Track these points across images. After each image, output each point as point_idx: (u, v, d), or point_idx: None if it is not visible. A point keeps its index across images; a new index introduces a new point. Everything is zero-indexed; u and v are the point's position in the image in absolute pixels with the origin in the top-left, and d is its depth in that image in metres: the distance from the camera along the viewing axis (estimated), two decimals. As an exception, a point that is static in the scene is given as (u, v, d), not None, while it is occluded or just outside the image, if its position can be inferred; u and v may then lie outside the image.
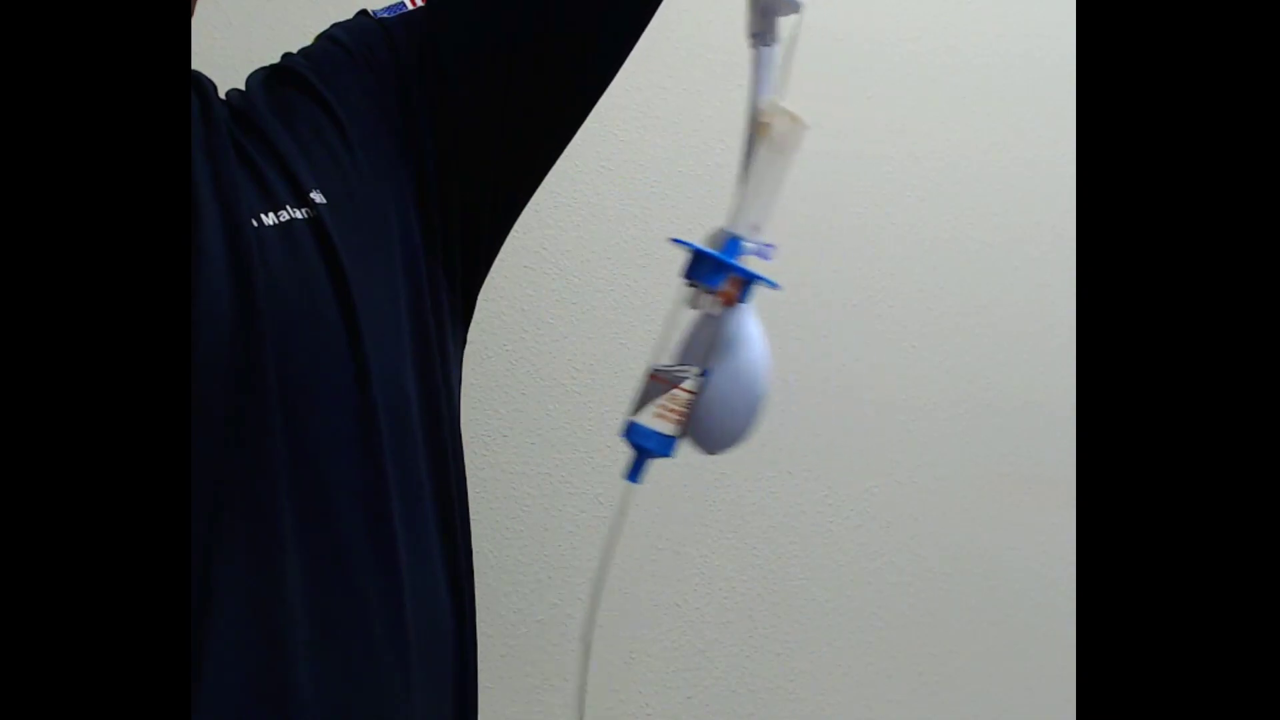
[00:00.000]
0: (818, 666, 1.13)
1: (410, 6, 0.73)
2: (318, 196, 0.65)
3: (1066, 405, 1.19)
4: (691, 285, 0.55)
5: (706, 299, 0.57)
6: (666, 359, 0.56)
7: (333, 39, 0.72)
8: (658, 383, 0.54)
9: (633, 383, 1.09)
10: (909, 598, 1.16)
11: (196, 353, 0.57)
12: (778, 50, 0.58)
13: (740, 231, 0.54)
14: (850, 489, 1.15)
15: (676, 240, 0.54)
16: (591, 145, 0.96)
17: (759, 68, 0.58)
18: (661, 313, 1.08)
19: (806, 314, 1.14)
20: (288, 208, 0.64)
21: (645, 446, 0.55)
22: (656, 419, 0.56)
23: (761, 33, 0.57)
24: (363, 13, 0.74)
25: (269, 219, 0.63)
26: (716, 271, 0.55)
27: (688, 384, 0.55)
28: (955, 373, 1.19)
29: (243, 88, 0.71)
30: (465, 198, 0.71)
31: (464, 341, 0.74)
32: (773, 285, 0.54)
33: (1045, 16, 1.23)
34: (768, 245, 0.57)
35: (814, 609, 1.13)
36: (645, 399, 0.54)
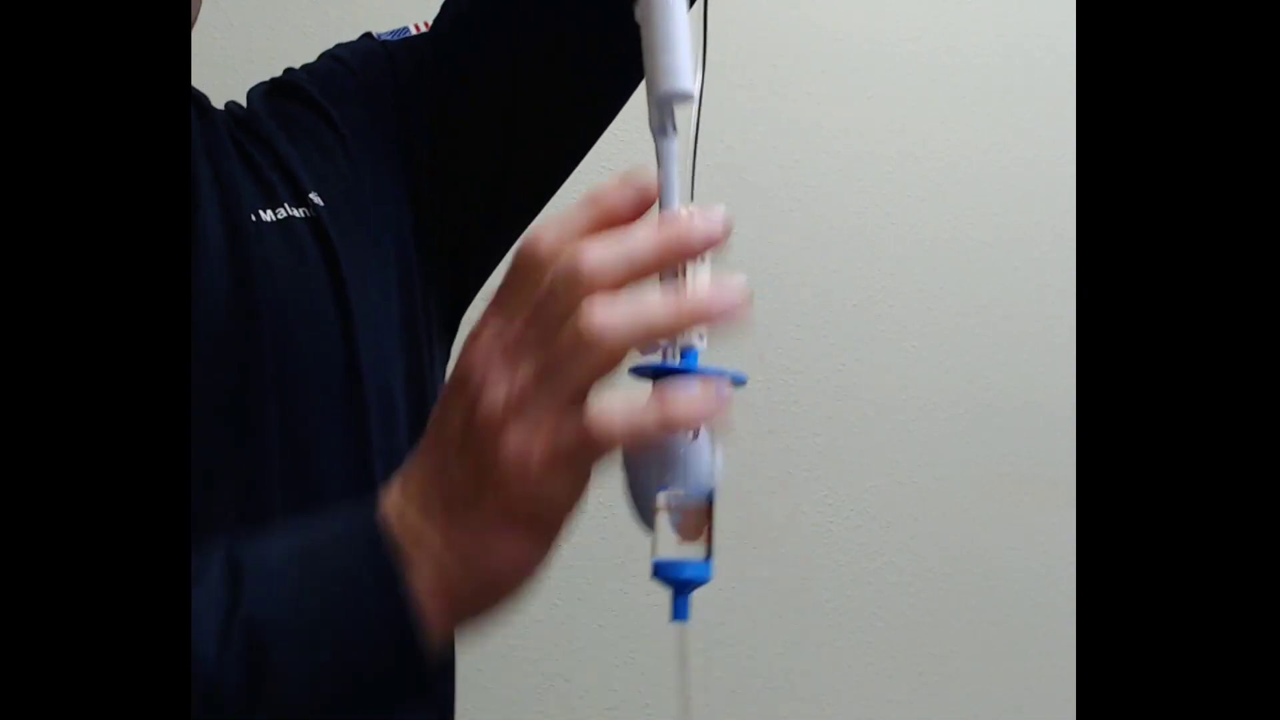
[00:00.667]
0: (818, 666, 1.13)
1: (414, 31, 0.74)
2: (316, 198, 0.66)
3: (1066, 405, 1.19)
4: None
5: None
6: (663, 483, 0.54)
7: (335, 57, 0.73)
8: (671, 512, 0.53)
9: (633, 381, 1.09)
10: (909, 598, 1.16)
11: (195, 340, 0.58)
12: (676, 143, 0.54)
13: (692, 342, 0.52)
14: (850, 489, 1.15)
15: (636, 369, 0.52)
16: (590, 147, 0.96)
17: (662, 164, 0.54)
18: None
19: (806, 314, 1.14)
20: (286, 205, 0.64)
21: (687, 578, 0.53)
22: (683, 546, 0.53)
23: (661, 125, 0.54)
24: (367, 35, 0.75)
25: (268, 215, 0.64)
26: (689, 380, 0.53)
27: (701, 503, 0.53)
28: (955, 373, 1.19)
29: (241, 101, 0.72)
30: (459, 219, 0.72)
31: (448, 355, 0.75)
32: (742, 380, 0.53)
33: (1045, 16, 1.23)
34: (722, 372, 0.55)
35: (814, 609, 1.13)
36: (664, 532, 0.52)
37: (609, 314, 0.43)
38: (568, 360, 0.43)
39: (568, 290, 0.43)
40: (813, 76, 1.16)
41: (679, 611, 0.52)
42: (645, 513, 0.52)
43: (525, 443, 0.44)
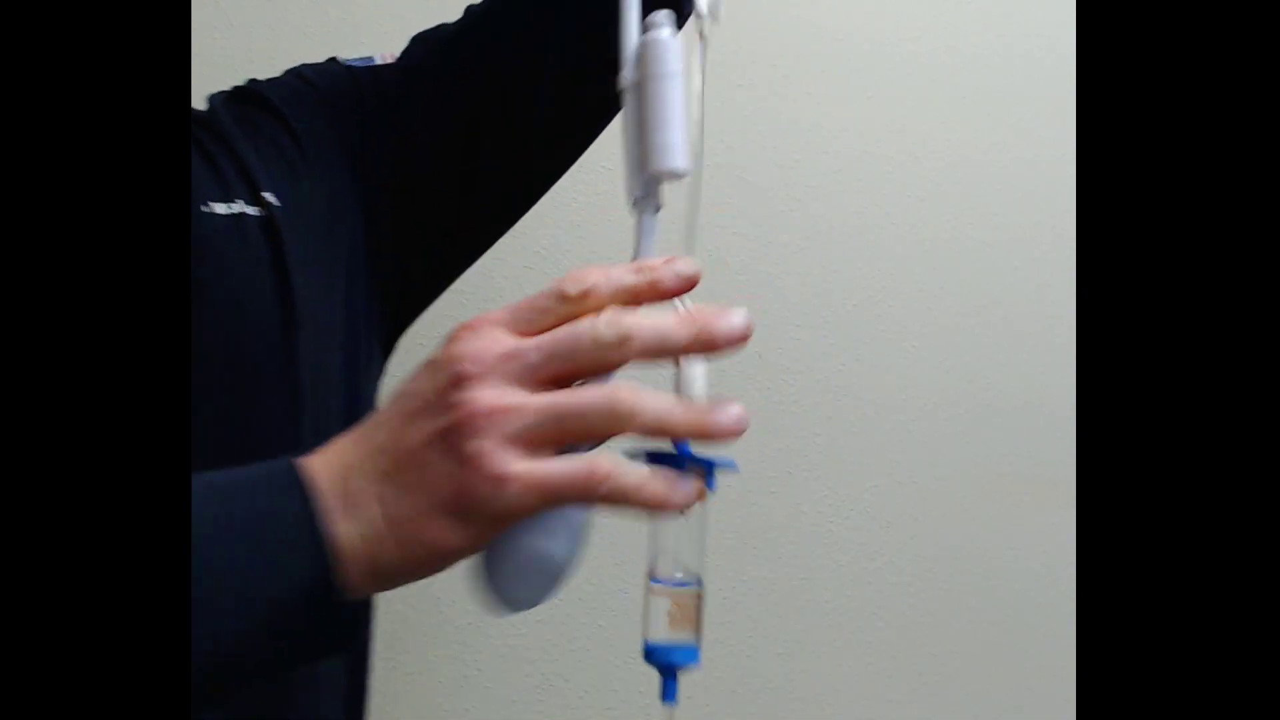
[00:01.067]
0: (818, 666, 1.13)
1: (380, 61, 0.76)
2: (271, 198, 0.67)
3: (1066, 405, 1.19)
4: None
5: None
6: (660, 568, 0.54)
7: (299, 75, 0.75)
8: (662, 595, 0.53)
9: (632, 382, 1.08)
10: (909, 598, 1.16)
11: None
12: (658, 221, 0.53)
13: None
14: (850, 489, 1.15)
15: (629, 452, 0.53)
16: (592, 145, 0.96)
17: (643, 237, 0.52)
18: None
19: (807, 314, 1.14)
20: (240, 201, 0.66)
21: (674, 662, 0.53)
22: (674, 630, 0.54)
23: (645, 196, 0.53)
24: (332, 59, 0.77)
25: (220, 208, 0.65)
26: (680, 469, 0.54)
27: (691, 586, 0.54)
28: (955, 373, 1.19)
29: (203, 106, 0.74)
30: (412, 242, 0.73)
31: (383, 369, 0.77)
32: (732, 467, 0.54)
33: (1045, 16, 1.23)
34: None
35: (814, 609, 1.13)
36: (654, 614, 0.53)
37: (653, 402, 0.45)
38: (595, 415, 0.45)
39: (609, 349, 0.45)
40: (813, 76, 1.16)
41: (668, 694, 0.53)
42: (516, 588, 0.49)
43: (505, 456, 0.44)
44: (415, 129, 0.72)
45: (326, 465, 0.46)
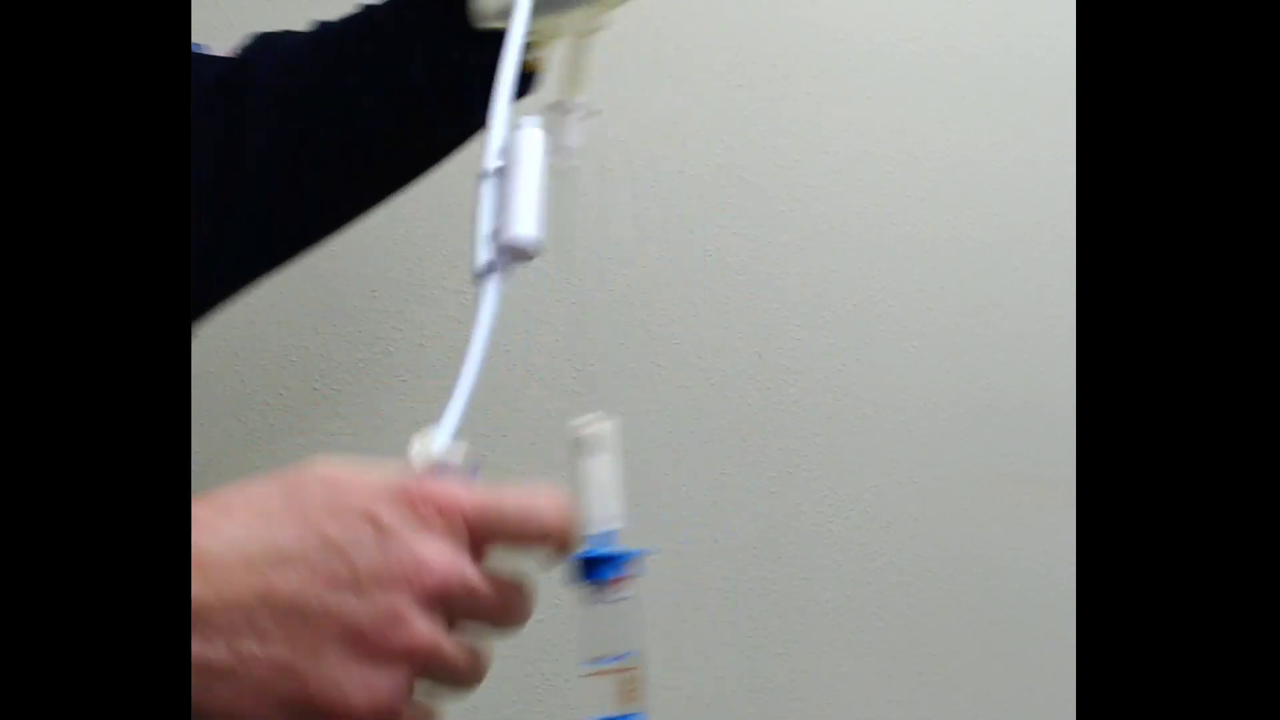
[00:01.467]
0: (818, 666, 1.13)
1: (215, 53, 0.74)
2: None
3: (1066, 405, 1.18)
4: (591, 586, 0.56)
5: (614, 588, 0.57)
6: (597, 653, 0.57)
7: None
8: (603, 677, 0.56)
9: (634, 381, 1.08)
10: (909, 598, 1.16)
11: None
12: (499, 291, 0.53)
13: (607, 527, 0.55)
14: (850, 489, 1.15)
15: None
16: (591, 146, 0.97)
17: (483, 310, 0.53)
18: (661, 310, 1.08)
19: (807, 314, 1.14)
20: None
21: None
22: (622, 706, 0.56)
23: (492, 261, 0.54)
24: None
25: None
26: (611, 565, 0.56)
27: (630, 661, 0.56)
28: (955, 373, 1.19)
29: None
30: (219, 235, 0.71)
31: None
32: (642, 555, 0.57)
33: (1045, 16, 1.23)
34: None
35: (814, 609, 1.13)
36: (598, 698, 0.55)
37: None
38: (466, 679, 0.46)
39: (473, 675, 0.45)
40: (813, 76, 1.16)
41: None
42: None
43: (401, 695, 0.41)
44: (244, 126, 0.71)
45: (198, 575, 0.38)
